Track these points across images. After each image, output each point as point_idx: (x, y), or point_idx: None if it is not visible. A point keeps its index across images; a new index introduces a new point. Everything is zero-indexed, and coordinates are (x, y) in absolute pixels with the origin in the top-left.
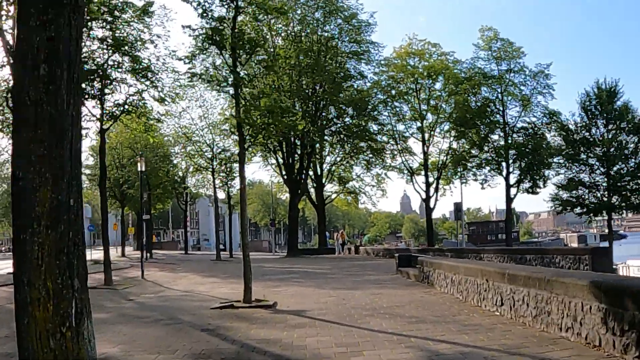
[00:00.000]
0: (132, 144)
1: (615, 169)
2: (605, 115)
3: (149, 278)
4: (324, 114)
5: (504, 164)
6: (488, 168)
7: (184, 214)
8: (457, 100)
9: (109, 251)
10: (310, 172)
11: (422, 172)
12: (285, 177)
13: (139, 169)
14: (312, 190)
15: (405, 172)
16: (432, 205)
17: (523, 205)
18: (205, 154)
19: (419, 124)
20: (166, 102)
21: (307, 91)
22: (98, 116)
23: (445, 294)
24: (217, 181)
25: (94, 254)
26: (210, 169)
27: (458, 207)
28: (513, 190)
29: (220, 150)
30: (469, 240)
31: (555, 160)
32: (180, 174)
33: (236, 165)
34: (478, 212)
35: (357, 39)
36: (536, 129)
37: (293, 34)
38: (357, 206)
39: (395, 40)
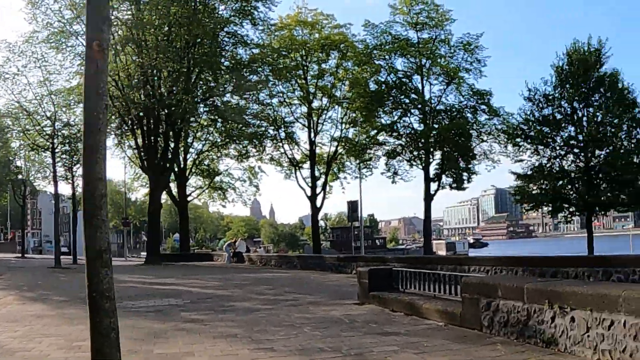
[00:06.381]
0: None
1: (601, 154)
2: (583, 85)
3: None
4: (200, 82)
5: (421, 152)
6: (399, 158)
7: (22, 210)
8: (358, 76)
9: None
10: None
11: (306, 165)
12: (145, 162)
13: None
14: (171, 185)
15: (285, 164)
16: (318, 204)
17: (378, 213)
18: (45, 129)
19: (304, 109)
20: None
21: (179, 48)
22: None
23: None
24: (58, 166)
25: None
26: (50, 149)
27: (353, 206)
28: (433, 186)
29: (63, 124)
30: (331, 246)
31: (519, 141)
32: (13, 157)
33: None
34: (337, 217)
35: None
36: (460, 110)
37: None
38: (224, 206)
39: (281, 9)
